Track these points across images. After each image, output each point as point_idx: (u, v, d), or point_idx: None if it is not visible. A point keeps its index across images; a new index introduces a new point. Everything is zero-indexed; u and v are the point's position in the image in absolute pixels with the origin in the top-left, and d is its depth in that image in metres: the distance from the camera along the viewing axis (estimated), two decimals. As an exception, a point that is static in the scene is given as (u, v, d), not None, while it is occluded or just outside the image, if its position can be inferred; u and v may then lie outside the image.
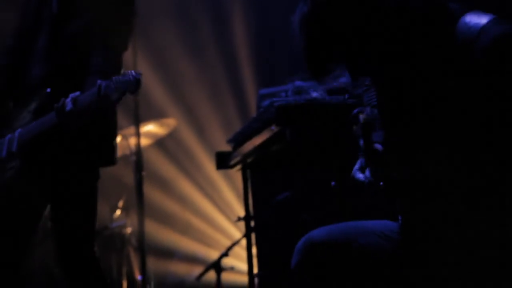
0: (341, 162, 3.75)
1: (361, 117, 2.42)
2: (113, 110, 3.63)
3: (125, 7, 3.58)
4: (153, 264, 6.15)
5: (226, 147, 4.95)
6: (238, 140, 4.62)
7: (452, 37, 2.30)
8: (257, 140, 4.16)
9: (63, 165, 3.47)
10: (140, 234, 5.11)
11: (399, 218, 2.54)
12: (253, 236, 5.11)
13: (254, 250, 5.18)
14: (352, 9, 2.32)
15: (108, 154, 3.63)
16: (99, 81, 3.16)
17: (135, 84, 3.15)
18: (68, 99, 3.24)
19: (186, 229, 6.97)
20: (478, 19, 2.29)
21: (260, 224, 5.41)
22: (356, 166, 2.56)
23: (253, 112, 5.18)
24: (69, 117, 3.25)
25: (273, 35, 6.24)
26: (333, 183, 3.85)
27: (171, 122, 6.22)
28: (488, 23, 2.27)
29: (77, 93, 3.24)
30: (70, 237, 3.52)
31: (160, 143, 6.52)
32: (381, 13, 2.31)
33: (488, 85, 2.23)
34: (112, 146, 3.65)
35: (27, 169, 3.43)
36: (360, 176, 2.52)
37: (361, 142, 2.43)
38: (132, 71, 3.17)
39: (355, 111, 2.60)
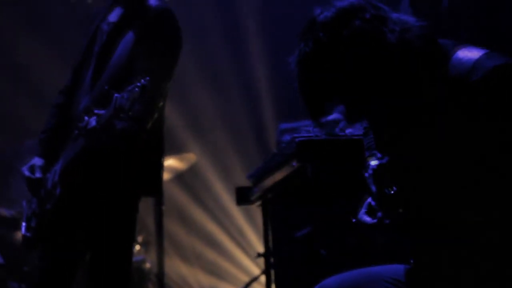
0: (362, 198, 3.73)
1: (372, 164, 2.43)
2: (159, 137, 3.64)
3: (171, 42, 3.62)
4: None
5: (246, 182, 4.94)
6: (258, 176, 4.60)
7: (446, 73, 2.33)
8: (278, 176, 4.15)
9: (102, 194, 3.49)
10: (160, 269, 5.09)
11: (411, 261, 2.52)
12: (272, 272, 5.07)
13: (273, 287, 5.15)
14: (356, 49, 2.33)
15: (153, 183, 3.64)
16: (115, 95, 3.20)
17: (142, 89, 3.17)
18: (92, 117, 3.29)
19: (205, 264, 6.95)
20: (471, 54, 2.33)
21: (279, 261, 5.37)
22: (363, 210, 2.55)
23: (273, 147, 5.17)
24: (92, 134, 3.29)
25: (293, 69, 6.25)
26: (353, 219, 3.83)
27: (191, 157, 6.23)
28: (480, 57, 2.31)
29: (102, 111, 3.28)
30: (106, 270, 3.52)
31: (179, 177, 6.52)
32: (383, 50, 2.33)
33: (483, 119, 2.26)
34: (158, 176, 3.65)
35: (66, 197, 3.45)
36: (367, 219, 2.51)
37: (373, 188, 2.43)
38: (142, 79, 3.21)
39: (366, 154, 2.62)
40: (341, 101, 2.43)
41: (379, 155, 2.43)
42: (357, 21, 2.34)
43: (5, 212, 5.21)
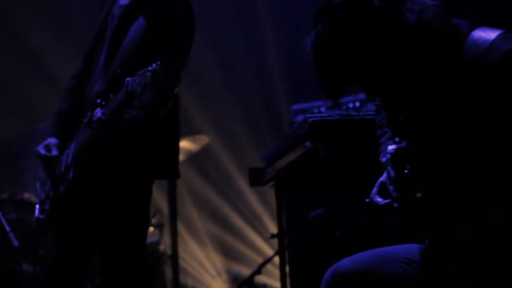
0: (375, 177, 3.72)
1: (389, 148, 2.41)
2: (176, 122, 3.62)
3: (184, 24, 3.60)
4: (186, 281, 6.13)
5: (259, 164, 4.92)
6: (271, 157, 4.58)
7: (462, 54, 2.32)
8: (291, 157, 4.13)
9: (115, 177, 3.48)
10: (174, 250, 5.09)
11: (426, 241, 2.52)
12: (286, 253, 5.07)
13: (287, 268, 5.14)
14: (376, 30, 2.31)
15: (169, 166, 3.62)
16: (127, 79, 3.19)
17: (153, 73, 3.15)
18: (97, 109, 3.28)
19: (218, 246, 6.96)
20: (486, 35, 2.32)
21: (293, 242, 5.36)
22: (374, 190, 2.52)
23: (286, 127, 5.15)
24: (99, 126, 3.28)
25: (305, 50, 6.22)
26: (367, 200, 3.81)
27: (204, 138, 6.23)
28: (496, 39, 2.30)
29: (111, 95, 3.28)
30: (118, 251, 3.52)
31: (192, 159, 6.51)
32: (401, 29, 2.31)
33: (497, 99, 2.25)
34: (175, 159, 3.64)
35: (78, 180, 3.45)
36: (378, 200, 2.48)
37: (392, 173, 2.41)
38: (153, 64, 3.18)
39: (383, 139, 2.61)
40: (358, 82, 2.41)
41: (396, 139, 2.40)
42: (376, 1, 2.30)
43: (18, 195, 5.22)
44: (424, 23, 2.33)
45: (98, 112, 3.30)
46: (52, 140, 3.66)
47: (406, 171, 2.36)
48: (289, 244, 5.22)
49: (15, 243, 4.76)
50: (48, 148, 3.63)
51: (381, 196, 2.48)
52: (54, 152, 3.61)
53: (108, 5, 3.76)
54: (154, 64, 3.16)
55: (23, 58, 6.55)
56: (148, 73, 3.15)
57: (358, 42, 2.31)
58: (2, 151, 5.18)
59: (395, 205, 2.40)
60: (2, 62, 6.53)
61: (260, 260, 6.15)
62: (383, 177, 2.51)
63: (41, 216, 3.64)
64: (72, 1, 5.86)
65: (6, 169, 5.13)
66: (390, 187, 2.41)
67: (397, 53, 2.32)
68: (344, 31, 2.32)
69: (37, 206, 3.67)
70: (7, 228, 4.80)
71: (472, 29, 2.36)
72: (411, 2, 2.34)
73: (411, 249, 2.56)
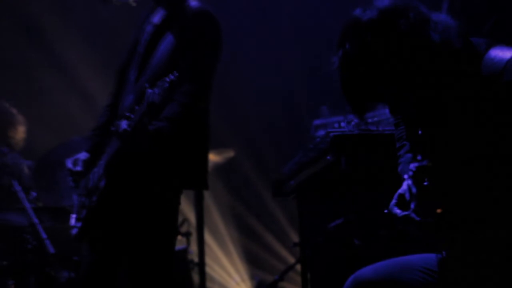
0: (393, 190, 3.72)
1: (412, 166, 2.42)
2: (205, 135, 3.65)
3: (210, 42, 3.62)
4: (212, 287, 6.14)
5: (282, 176, 4.92)
6: (294, 169, 4.59)
7: (479, 72, 2.33)
8: (313, 169, 4.14)
9: (144, 186, 3.51)
10: (201, 257, 5.10)
11: (443, 252, 2.52)
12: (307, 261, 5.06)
13: (308, 275, 5.14)
14: (403, 50, 2.33)
15: (198, 177, 3.64)
16: (148, 90, 3.21)
17: (170, 84, 3.18)
18: (123, 121, 3.31)
19: (243, 253, 6.96)
20: (503, 54, 2.34)
21: (314, 250, 5.36)
22: (393, 202, 2.54)
23: (308, 142, 5.15)
24: (124, 137, 3.31)
25: (326, 68, 6.22)
26: (385, 210, 3.81)
27: (229, 152, 6.24)
28: (511, 58, 2.31)
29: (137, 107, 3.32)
30: (147, 258, 3.54)
31: (218, 170, 6.52)
32: (426, 49, 2.33)
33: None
34: (204, 170, 3.66)
35: (109, 189, 3.51)
36: (397, 211, 2.49)
37: (414, 189, 2.42)
38: (171, 75, 3.21)
39: (401, 152, 2.61)
40: (383, 98, 2.41)
41: (418, 157, 2.41)
42: (402, 21, 2.33)
43: (54, 204, 5.26)
44: (447, 43, 2.35)
45: (124, 124, 3.33)
46: (81, 155, 3.72)
47: (425, 183, 2.37)
48: (310, 252, 5.21)
49: (51, 249, 4.80)
50: (75, 162, 3.69)
51: (399, 208, 2.49)
52: (78, 168, 3.68)
53: (142, 23, 3.80)
54: (171, 75, 3.20)
55: (59, 72, 6.60)
56: (166, 84, 3.20)
57: (384, 61, 2.32)
58: (40, 162, 5.23)
59: (415, 217, 2.40)
60: (39, 76, 6.60)
61: (282, 267, 6.16)
62: (401, 189, 2.52)
63: (77, 224, 3.66)
64: (107, 20, 5.90)
65: (44, 179, 5.17)
66: (412, 203, 2.41)
67: (421, 71, 2.33)
68: (371, 50, 2.33)
69: (73, 215, 3.70)
70: (44, 236, 4.85)
71: (490, 47, 2.38)
72: (434, 22, 2.36)
73: (428, 259, 2.57)
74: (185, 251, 5.69)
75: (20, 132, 5.58)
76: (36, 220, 4.88)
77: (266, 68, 6.79)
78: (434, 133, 2.45)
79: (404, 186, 2.52)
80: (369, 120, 4.11)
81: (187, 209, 5.84)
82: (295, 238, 6.00)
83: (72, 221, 3.71)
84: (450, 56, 2.34)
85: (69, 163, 3.71)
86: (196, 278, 5.65)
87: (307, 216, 4.98)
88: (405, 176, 2.51)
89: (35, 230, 4.86)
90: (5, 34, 6.56)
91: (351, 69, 2.37)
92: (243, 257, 6.97)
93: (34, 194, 5.17)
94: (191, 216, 5.61)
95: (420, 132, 2.50)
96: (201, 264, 5.15)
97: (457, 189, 2.37)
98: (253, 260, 6.98)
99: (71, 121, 6.20)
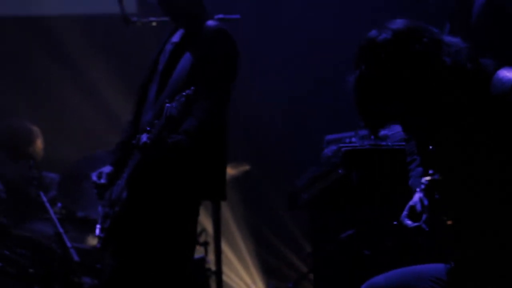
0: (403, 203, 3.75)
1: (424, 180, 2.45)
2: (223, 148, 3.69)
3: (227, 60, 3.67)
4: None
5: (296, 189, 4.95)
6: (307, 182, 4.63)
7: (488, 92, 2.34)
8: (325, 182, 4.17)
9: (164, 197, 3.55)
10: (218, 266, 5.14)
11: (451, 262, 2.54)
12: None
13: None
14: (417, 72, 2.33)
15: (216, 189, 3.69)
16: (166, 105, 3.27)
17: (187, 98, 3.23)
18: (143, 134, 3.37)
19: (258, 263, 6.96)
20: (510, 75, 2.35)
21: (326, 259, 5.38)
22: (405, 213, 2.57)
23: (320, 156, 5.18)
24: (144, 149, 3.37)
25: (338, 85, 6.23)
26: (395, 222, 3.84)
27: (245, 166, 6.25)
28: None
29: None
30: (167, 267, 3.59)
31: (235, 183, 6.54)
32: (439, 71, 2.34)
33: None
34: (222, 181, 3.70)
35: (131, 200, 3.57)
36: (408, 222, 2.53)
37: (426, 202, 2.45)
38: (187, 90, 3.27)
39: (412, 166, 2.63)
40: (396, 117, 2.43)
41: (430, 171, 2.43)
42: (416, 44, 2.33)
43: (79, 214, 5.30)
44: (458, 65, 2.35)
45: (144, 137, 3.40)
46: (105, 169, 3.78)
47: (436, 196, 2.39)
48: (322, 262, 5.24)
49: (76, 258, 4.83)
50: (99, 175, 3.74)
51: (410, 219, 2.52)
52: (102, 181, 3.74)
53: (162, 43, 3.86)
54: (188, 90, 3.25)
55: (84, 90, 6.66)
56: (183, 98, 3.25)
57: (397, 82, 2.33)
58: (66, 175, 5.29)
59: (426, 228, 2.42)
60: (65, 94, 6.66)
61: (296, 276, 6.17)
62: (412, 201, 2.54)
63: (101, 234, 3.71)
64: (128, 38, 5.96)
65: (69, 191, 5.23)
66: (423, 215, 2.44)
67: (433, 92, 2.35)
68: (385, 71, 2.34)
69: (98, 225, 3.75)
70: (69, 244, 4.89)
71: (498, 68, 2.40)
72: (447, 45, 2.37)
73: (438, 268, 2.59)
74: (203, 259, 5.73)
75: (39, 144, 5.68)
76: (61, 230, 4.92)
77: (276, 76, 6.79)
78: (445, 150, 2.46)
79: (415, 198, 2.54)
80: (379, 135, 4.15)
81: (205, 221, 5.88)
82: (308, 248, 6.02)
83: (97, 231, 3.76)
84: (461, 78, 2.35)
85: (94, 176, 3.76)
86: (213, 285, 5.68)
87: (319, 226, 5.01)
88: (417, 190, 2.54)
89: (60, 239, 4.90)
90: (33, 53, 6.62)
91: (366, 89, 2.37)
92: (258, 266, 6.98)
93: (59, 205, 5.22)
94: (209, 227, 5.64)
95: (431, 147, 2.51)
96: (218, 272, 5.19)
97: (468, 202, 2.39)
98: (268, 269, 6.98)
99: (96, 136, 6.25)
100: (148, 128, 3.43)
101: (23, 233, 5.16)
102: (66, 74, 6.66)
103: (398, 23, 2.38)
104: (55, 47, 6.62)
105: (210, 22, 3.72)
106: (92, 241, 5.31)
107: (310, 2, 6.66)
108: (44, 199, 5.10)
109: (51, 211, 5.03)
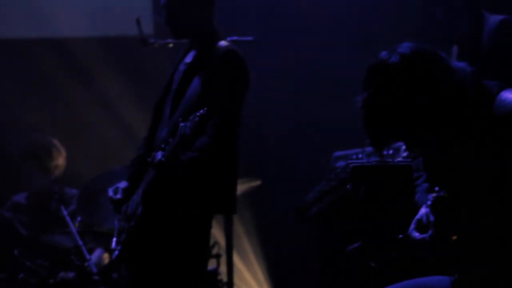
0: (408, 217, 3.72)
1: (430, 196, 2.43)
2: (234, 165, 3.66)
3: (238, 81, 3.65)
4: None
5: (304, 203, 4.91)
6: (316, 197, 4.61)
7: (491, 113, 2.34)
8: (333, 197, 4.16)
9: (178, 212, 3.52)
10: (229, 278, 5.10)
11: (456, 275, 2.53)
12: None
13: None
14: (424, 95, 2.33)
15: (227, 203, 3.65)
16: (180, 124, 3.26)
17: (200, 118, 3.21)
18: (159, 152, 3.36)
19: (268, 274, 6.92)
20: None
21: (334, 271, 5.35)
22: (412, 226, 2.55)
23: (328, 172, 5.14)
24: (159, 167, 3.35)
25: (347, 102, 6.19)
26: (400, 235, 3.81)
27: (255, 181, 6.23)
28: None
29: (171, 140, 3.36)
30: (182, 279, 3.55)
31: (246, 197, 6.50)
32: (446, 93, 2.34)
33: None
34: (233, 196, 3.66)
35: (146, 215, 3.51)
36: (415, 235, 2.49)
37: (431, 217, 2.42)
38: (201, 110, 3.25)
39: (419, 181, 2.61)
40: (403, 137, 2.42)
41: (436, 188, 2.42)
42: (424, 68, 2.33)
43: (97, 228, 5.29)
44: (464, 88, 2.35)
45: (159, 155, 3.39)
46: (121, 184, 3.78)
47: (442, 212, 2.37)
48: (330, 273, 5.20)
49: (94, 269, 4.83)
50: (116, 190, 3.73)
51: (417, 232, 2.49)
52: (118, 196, 3.74)
53: (177, 63, 3.85)
54: (201, 110, 3.24)
55: (102, 108, 6.67)
56: (196, 118, 3.24)
57: (405, 105, 2.33)
58: (85, 190, 5.28)
59: (432, 242, 2.40)
60: (84, 111, 6.67)
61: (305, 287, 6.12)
62: (418, 215, 2.52)
63: (117, 247, 3.69)
64: (145, 58, 5.97)
65: (88, 205, 5.21)
66: (430, 230, 2.41)
67: (440, 115, 2.35)
68: (393, 94, 2.34)
69: (114, 239, 3.72)
70: (87, 256, 4.89)
71: (501, 90, 2.39)
72: (452, 69, 2.37)
73: (443, 281, 2.58)
74: (215, 271, 5.68)
75: (62, 160, 5.67)
76: (80, 242, 4.92)
77: (290, 98, 6.76)
78: (451, 168, 2.45)
79: (422, 212, 2.53)
80: (385, 153, 4.12)
81: (218, 234, 5.84)
82: (316, 260, 5.97)
83: (113, 244, 3.73)
84: (467, 101, 2.35)
85: (110, 192, 3.76)
86: (225, 296, 5.64)
87: (327, 239, 4.98)
88: (423, 205, 2.51)
89: (79, 251, 4.89)
90: (57, 73, 6.65)
91: (374, 111, 2.38)
92: (268, 277, 6.94)
93: (79, 218, 5.21)
94: (221, 240, 5.60)
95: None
96: (230, 284, 5.15)
97: (473, 219, 2.38)
98: (278, 280, 6.94)
99: (113, 152, 6.25)
100: (162, 146, 3.42)
101: (43, 244, 5.16)
102: (87, 93, 6.70)
103: (406, 47, 2.40)
104: (77, 67, 6.67)
105: (222, 43, 3.71)
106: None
107: (317, 21, 6.61)
108: (65, 213, 5.14)
109: (71, 225, 5.04)
